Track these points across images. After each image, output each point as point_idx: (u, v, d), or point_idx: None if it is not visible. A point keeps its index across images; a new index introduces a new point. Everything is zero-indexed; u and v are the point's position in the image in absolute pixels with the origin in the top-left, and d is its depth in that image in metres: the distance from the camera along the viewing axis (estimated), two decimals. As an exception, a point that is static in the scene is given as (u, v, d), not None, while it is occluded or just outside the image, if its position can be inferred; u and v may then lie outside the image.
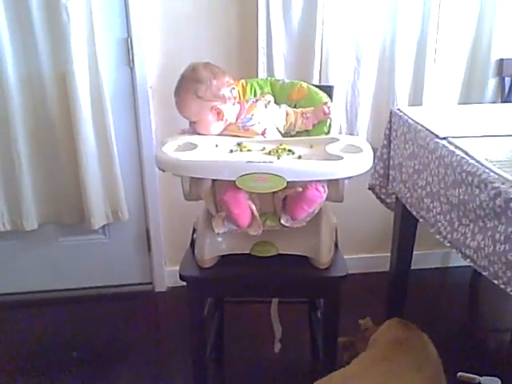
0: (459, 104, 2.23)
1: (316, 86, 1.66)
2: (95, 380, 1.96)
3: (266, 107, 1.51)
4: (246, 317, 2.16)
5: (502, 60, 2.15)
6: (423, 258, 2.45)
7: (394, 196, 1.89)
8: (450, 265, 2.60)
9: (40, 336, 2.19)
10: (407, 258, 1.88)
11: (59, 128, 2.12)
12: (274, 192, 1.34)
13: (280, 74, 2.08)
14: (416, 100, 2.18)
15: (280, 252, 1.47)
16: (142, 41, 2.09)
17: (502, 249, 1.15)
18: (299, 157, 1.33)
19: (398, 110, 1.76)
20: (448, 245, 1.40)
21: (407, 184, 1.67)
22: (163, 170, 1.36)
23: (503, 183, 1.17)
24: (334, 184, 1.36)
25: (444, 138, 1.46)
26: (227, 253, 1.48)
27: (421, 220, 1.58)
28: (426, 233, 1.70)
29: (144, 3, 2.04)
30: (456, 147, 1.39)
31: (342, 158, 1.27)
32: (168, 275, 2.47)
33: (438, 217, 1.45)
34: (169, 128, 2.22)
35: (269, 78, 1.71)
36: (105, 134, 2.13)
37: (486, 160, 1.29)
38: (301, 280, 1.48)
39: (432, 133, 1.51)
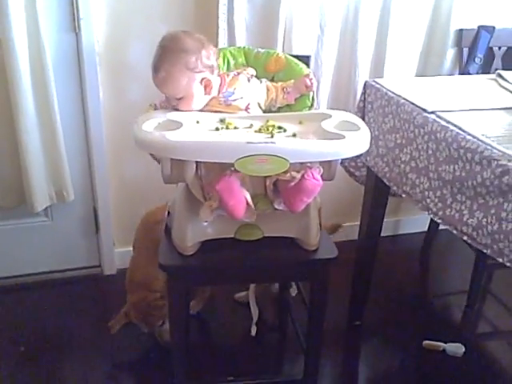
0: (417, 75, 2.23)
1: (293, 57, 1.56)
2: (45, 372, 1.81)
3: (248, 81, 1.40)
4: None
5: (461, 30, 2.15)
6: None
7: (363, 169, 1.87)
8: (400, 232, 2.64)
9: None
10: (377, 229, 1.87)
11: (-6, 100, 1.89)
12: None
13: (241, 41, 1.96)
14: (377, 71, 2.15)
15: (265, 235, 1.39)
16: (89, 3, 1.87)
17: (509, 227, 1.14)
18: (294, 135, 1.25)
19: (374, 81, 1.71)
20: (439, 221, 1.38)
21: (385, 158, 1.64)
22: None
23: (510, 161, 1.15)
24: (326, 163, 1.29)
25: (432, 112, 1.43)
26: (210, 238, 1.38)
27: (403, 195, 1.55)
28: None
29: (88, -41, 1.83)
30: (448, 122, 1.37)
31: (344, 136, 1.20)
32: (118, 257, 2.32)
33: (427, 193, 1.43)
34: (117, 99, 2.06)
35: (242, 47, 1.59)
36: (47, 107, 1.92)
37: (483, 136, 1.27)
38: (290, 263, 1.42)
39: (418, 107, 1.47)
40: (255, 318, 1.68)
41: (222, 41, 1.94)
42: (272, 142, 1.16)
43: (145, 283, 1.76)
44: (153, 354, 1.87)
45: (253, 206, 1.27)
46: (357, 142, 1.21)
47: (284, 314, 1.91)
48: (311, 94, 1.48)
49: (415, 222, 2.59)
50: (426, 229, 2.51)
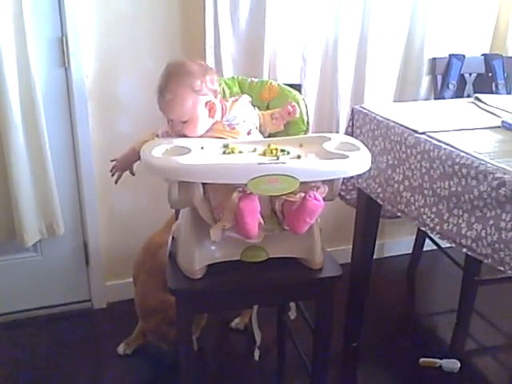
0: (395, 101, 2.33)
1: (286, 85, 1.63)
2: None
3: (247, 106, 1.45)
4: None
5: (434, 59, 2.28)
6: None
7: (353, 192, 1.93)
8: (385, 255, 2.70)
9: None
10: (371, 249, 1.93)
11: (-16, 136, 1.89)
12: (272, 196, 1.30)
13: (229, 74, 2.02)
14: (357, 98, 2.23)
15: (270, 256, 1.42)
16: (79, 40, 1.91)
17: (509, 236, 1.21)
18: (298, 156, 1.29)
19: (362, 107, 1.79)
20: (437, 236, 1.44)
21: (377, 179, 1.70)
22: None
23: (505, 173, 1.23)
24: (329, 184, 1.34)
25: (423, 133, 1.51)
26: (217, 261, 1.40)
27: (399, 214, 1.61)
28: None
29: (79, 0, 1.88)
30: (439, 141, 1.44)
31: (348, 156, 1.26)
32: (108, 290, 2.30)
33: (422, 209, 1.49)
34: (107, 133, 2.08)
35: (235, 77, 1.65)
36: (38, 142, 1.93)
37: (476, 152, 1.35)
38: (297, 283, 1.44)
39: (409, 128, 1.55)
40: (258, 341, 1.69)
41: (211, 73, 2.00)
42: (282, 163, 1.21)
43: (159, 307, 1.79)
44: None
45: (264, 225, 1.30)
46: (361, 160, 1.27)
47: (283, 337, 1.92)
48: (306, 118, 1.54)
49: (400, 245, 2.67)
50: (410, 251, 2.58)
